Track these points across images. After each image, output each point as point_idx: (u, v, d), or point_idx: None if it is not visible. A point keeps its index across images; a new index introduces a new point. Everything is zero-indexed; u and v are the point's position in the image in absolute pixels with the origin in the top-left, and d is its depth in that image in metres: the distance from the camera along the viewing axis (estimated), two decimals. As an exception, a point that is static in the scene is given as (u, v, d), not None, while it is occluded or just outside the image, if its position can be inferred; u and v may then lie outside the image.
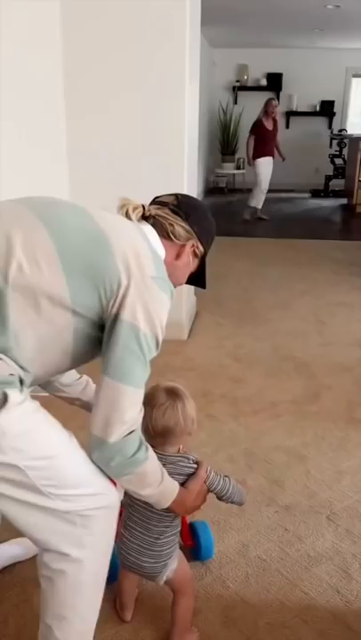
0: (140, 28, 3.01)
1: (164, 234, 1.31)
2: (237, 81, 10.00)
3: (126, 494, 1.41)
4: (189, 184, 3.40)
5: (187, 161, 3.27)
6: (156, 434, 1.39)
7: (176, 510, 1.35)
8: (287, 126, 10.26)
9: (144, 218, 1.32)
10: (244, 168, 10.08)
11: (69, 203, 1.28)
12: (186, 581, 1.49)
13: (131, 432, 1.17)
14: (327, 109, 10.04)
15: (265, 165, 7.30)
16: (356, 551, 1.81)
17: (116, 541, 1.30)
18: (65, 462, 1.15)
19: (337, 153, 9.45)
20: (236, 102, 10.13)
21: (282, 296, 4.37)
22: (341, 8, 6.38)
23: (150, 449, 1.23)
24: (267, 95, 10.02)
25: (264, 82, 9.97)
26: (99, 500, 1.19)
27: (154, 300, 1.16)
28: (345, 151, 9.25)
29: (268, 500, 2.05)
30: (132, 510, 1.44)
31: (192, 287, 3.76)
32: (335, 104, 10.03)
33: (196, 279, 1.48)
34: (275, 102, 7.17)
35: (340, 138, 9.34)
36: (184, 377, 3.01)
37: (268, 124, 7.12)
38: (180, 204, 1.35)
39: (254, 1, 6.14)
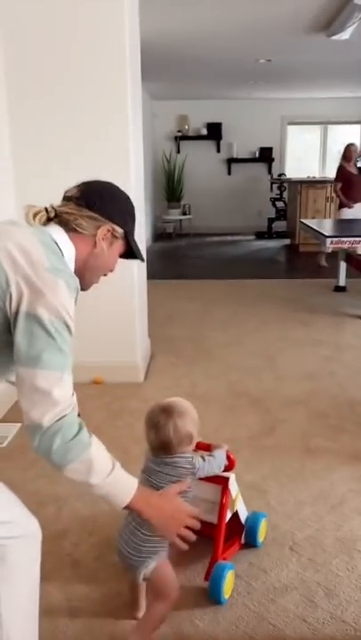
0: (83, 85, 3.14)
1: (72, 229, 1.31)
2: (179, 131, 10.38)
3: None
4: (138, 231, 3.48)
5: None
6: (156, 448, 1.59)
7: (151, 515, 1.31)
8: (229, 173, 10.66)
9: (52, 219, 1.33)
10: (190, 214, 10.37)
11: None
12: (164, 586, 1.53)
13: (64, 415, 1.17)
14: (266, 155, 10.50)
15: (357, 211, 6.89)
16: (319, 579, 1.84)
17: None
18: None
19: (278, 196, 9.85)
20: (178, 151, 10.48)
21: (233, 334, 4.47)
22: (272, 62, 6.79)
23: (94, 436, 1.23)
24: (208, 143, 10.47)
25: (204, 131, 10.38)
26: (11, 530, 1.19)
27: (49, 289, 1.17)
28: (285, 194, 9.65)
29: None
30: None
31: (145, 330, 3.84)
32: (273, 150, 10.50)
33: (130, 255, 1.45)
34: (353, 147, 6.98)
35: (280, 182, 9.76)
36: (141, 419, 3.01)
37: (351, 169, 6.95)
38: (83, 195, 1.34)
39: (190, 57, 6.46)
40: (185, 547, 1.38)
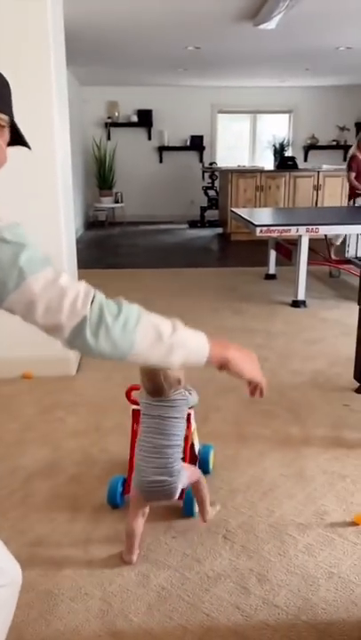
0: (4, 69, 3.01)
1: None
2: (109, 117, 10.21)
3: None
4: (66, 220, 3.40)
5: (62, 197, 3.28)
6: (151, 392, 1.86)
7: (234, 354, 1.16)
8: (160, 161, 10.60)
9: None
10: (122, 202, 10.26)
11: None
12: (197, 478, 1.98)
13: (93, 295, 1.03)
14: (197, 144, 10.51)
15: None
16: (252, 566, 1.87)
17: None
18: None
19: (209, 185, 9.90)
20: (109, 138, 10.32)
21: (167, 324, 4.46)
22: (201, 50, 6.77)
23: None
24: (139, 131, 10.37)
25: (135, 118, 10.26)
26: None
27: None
28: (216, 183, 9.71)
29: (165, 526, 2.06)
30: (144, 441, 1.87)
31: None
32: (204, 139, 10.53)
33: (17, 143, 1.29)
34: None
35: (211, 170, 9.80)
36: (75, 413, 2.97)
37: None
38: None
39: (119, 43, 6.35)
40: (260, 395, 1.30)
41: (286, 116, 10.75)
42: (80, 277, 3.88)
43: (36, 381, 3.35)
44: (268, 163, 9.97)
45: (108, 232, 9.58)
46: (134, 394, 2.09)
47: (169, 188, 10.70)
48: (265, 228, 4.91)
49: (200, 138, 10.50)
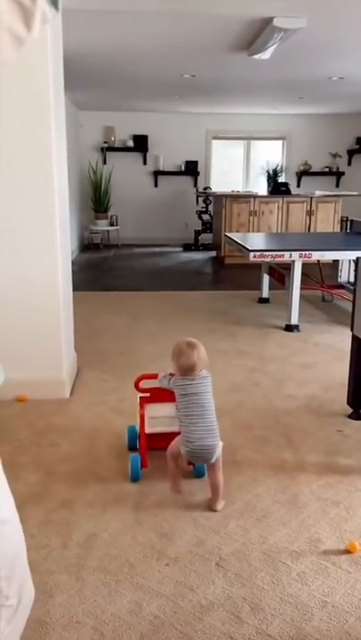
0: (4, 93, 3.06)
1: None
2: (105, 142, 10.34)
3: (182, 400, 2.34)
4: (62, 242, 3.43)
5: (58, 220, 3.31)
6: (185, 369, 2.35)
7: None
8: (156, 185, 10.72)
9: None
10: (117, 225, 10.34)
11: None
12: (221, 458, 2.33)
13: None
14: (192, 169, 10.65)
15: None
16: (245, 594, 1.85)
17: None
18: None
19: (203, 209, 10.00)
20: (105, 162, 10.44)
21: (162, 347, 4.46)
22: (197, 77, 6.90)
23: None
24: (134, 155, 10.50)
25: (131, 143, 10.40)
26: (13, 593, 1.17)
27: None
28: (210, 207, 9.81)
29: (157, 554, 2.04)
30: (191, 412, 2.32)
31: (71, 344, 3.76)
32: (199, 164, 10.67)
33: None
34: None
35: (206, 195, 9.91)
36: (68, 438, 2.96)
37: None
38: None
39: (116, 70, 6.47)
40: None
41: (280, 142, 10.92)
42: (76, 300, 3.91)
43: (29, 404, 3.34)
44: (262, 188, 10.10)
45: (102, 254, 9.63)
46: (147, 382, 2.60)
47: (164, 212, 10.80)
48: (258, 253, 4.96)
49: (195, 163, 10.64)
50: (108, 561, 2.00)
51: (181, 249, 10.21)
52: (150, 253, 9.73)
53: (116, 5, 3.44)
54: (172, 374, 2.47)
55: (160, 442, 2.53)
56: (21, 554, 1.22)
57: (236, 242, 5.61)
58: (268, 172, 10.13)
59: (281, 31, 4.34)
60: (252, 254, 4.95)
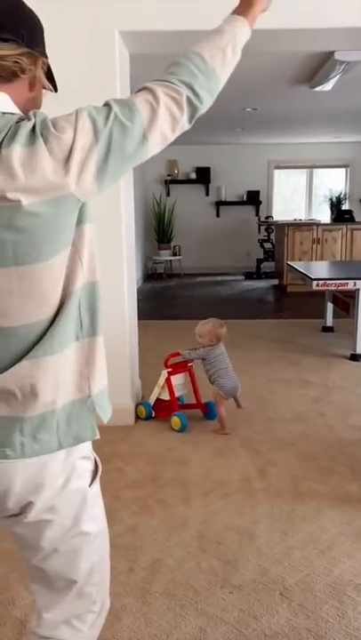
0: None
1: (7, 78, 1.01)
2: (169, 175, 10.63)
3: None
4: (128, 273, 3.57)
5: (125, 253, 3.46)
6: (218, 338, 3.50)
7: (254, 5, 1.25)
8: (218, 215, 10.89)
9: None
10: (180, 254, 10.54)
11: None
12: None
13: (180, 93, 1.07)
14: (253, 198, 10.76)
15: None
16: (310, 626, 1.84)
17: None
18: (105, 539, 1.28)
19: (265, 238, 10.04)
20: (168, 194, 10.71)
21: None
22: (258, 110, 7.04)
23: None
24: (197, 187, 10.72)
25: (193, 175, 10.64)
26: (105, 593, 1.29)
27: (53, 139, 0.94)
28: (272, 236, 9.85)
29: (222, 581, 2.06)
30: (224, 367, 3.46)
31: (136, 372, 3.87)
32: (260, 193, 10.76)
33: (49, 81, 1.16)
34: None
35: (268, 224, 9.96)
36: (132, 463, 3.04)
37: None
38: (7, 27, 0.99)
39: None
40: None
41: (343, 170, 10.87)
42: (139, 329, 4.02)
43: (96, 430, 3.44)
44: (325, 216, 10.06)
45: (165, 283, 9.81)
46: (174, 360, 3.68)
47: (225, 241, 10.93)
48: (322, 282, 4.95)
49: (257, 193, 10.75)
50: (173, 586, 2.04)
51: (243, 277, 10.26)
52: (212, 282, 9.83)
53: (179, 48, 3.61)
54: (195, 348, 3.57)
55: (165, 412, 3.63)
56: (108, 563, 1.31)
57: (298, 270, 5.61)
58: (331, 199, 10.09)
59: (342, 64, 4.40)
60: (315, 283, 4.94)
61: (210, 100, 1.14)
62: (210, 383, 3.54)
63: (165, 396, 3.63)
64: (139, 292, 8.90)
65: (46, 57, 1.11)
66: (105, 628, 1.83)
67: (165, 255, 10.50)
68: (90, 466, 1.20)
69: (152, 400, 3.66)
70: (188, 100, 1.08)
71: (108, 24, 3.15)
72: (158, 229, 10.57)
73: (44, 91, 1.13)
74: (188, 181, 10.67)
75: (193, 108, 1.09)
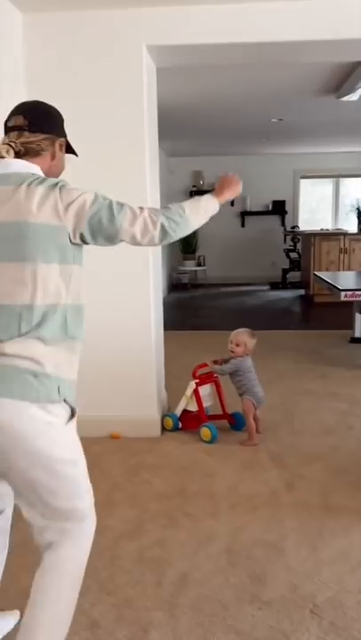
0: (102, 144, 3.29)
1: (35, 154, 1.61)
2: (194, 186, 10.66)
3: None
4: (155, 284, 3.58)
5: (152, 264, 3.47)
6: (250, 350, 3.56)
7: (225, 192, 1.86)
8: (243, 225, 10.87)
9: (18, 152, 1.60)
10: (205, 265, 10.54)
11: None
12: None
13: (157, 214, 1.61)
14: (279, 208, 10.72)
15: None
16: (341, 644, 1.81)
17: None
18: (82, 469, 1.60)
19: (291, 247, 9.99)
20: (193, 204, 10.72)
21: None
22: (284, 121, 7.03)
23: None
24: (222, 197, 10.70)
25: (219, 185, 10.64)
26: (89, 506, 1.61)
27: (65, 192, 1.52)
28: (299, 246, 9.79)
29: (250, 597, 2.04)
30: (253, 378, 3.52)
31: (162, 384, 3.88)
32: (286, 203, 10.72)
33: (68, 151, 1.77)
34: None
35: (293, 234, 9.91)
36: (159, 475, 3.03)
37: None
38: (32, 123, 1.61)
39: (205, 118, 6.73)
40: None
41: (370, 179, 10.77)
42: (165, 340, 4.02)
43: (123, 442, 3.45)
44: (353, 225, 9.96)
45: (190, 294, 9.82)
46: (203, 370, 3.71)
47: (250, 251, 10.90)
48: (350, 293, 4.90)
49: (282, 202, 10.71)
50: (202, 601, 2.02)
51: (269, 287, 10.22)
52: (237, 292, 9.81)
53: (204, 61, 3.63)
54: (224, 360, 3.62)
55: (192, 423, 3.64)
56: None
57: (326, 281, 5.57)
58: (358, 209, 9.99)
59: (369, 73, 4.38)
60: (343, 294, 4.90)
61: (179, 232, 1.65)
62: (239, 395, 3.53)
63: (192, 407, 3.62)
64: (163, 302, 8.91)
65: (64, 137, 1.71)
66: (133, 643, 1.83)
67: (190, 265, 10.51)
68: None
69: (179, 411, 3.65)
70: (162, 225, 1.60)
71: (136, 38, 3.20)
72: (183, 239, 10.59)
73: (67, 156, 1.77)
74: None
75: (164, 231, 1.61)
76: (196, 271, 10.61)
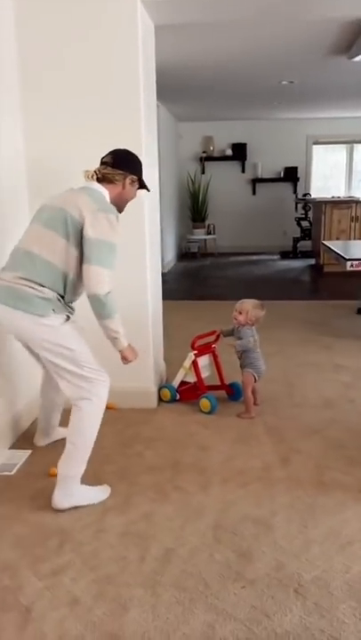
0: (95, 106, 3.16)
1: (110, 181, 2.42)
2: (204, 152, 10.42)
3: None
4: (152, 255, 3.48)
5: (148, 233, 3.36)
6: (259, 320, 3.47)
7: (128, 354, 2.51)
8: (254, 192, 10.64)
9: (99, 177, 2.42)
10: (214, 233, 10.37)
11: (46, 207, 2.40)
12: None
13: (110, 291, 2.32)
14: (291, 175, 10.45)
15: None
16: (324, 626, 1.76)
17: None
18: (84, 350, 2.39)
19: (303, 216, 9.77)
20: (203, 172, 10.52)
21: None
22: (295, 84, 6.77)
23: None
24: (233, 164, 10.48)
25: (229, 152, 10.40)
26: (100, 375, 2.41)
27: (100, 217, 2.27)
28: (310, 214, 9.57)
29: (234, 574, 1.99)
30: (257, 351, 3.44)
31: (160, 354, 3.81)
32: (298, 170, 10.45)
33: (141, 187, 2.58)
34: None
35: (305, 202, 9.68)
36: (152, 448, 2.98)
37: None
38: (114, 162, 2.44)
39: (214, 80, 6.50)
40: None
41: (385, 145, 10.45)
42: (169, 308, 3.95)
43: (118, 412, 3.40)
44: (365, 193, 9.70)
45: (199, 263, 9.69)
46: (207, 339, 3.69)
47: (261, 220, 10.69)
48: (356, 262, 4.76)
49: (294, 169, 10.44)
50: (184, 578, 1.98)
51: (279, 257, 10.05)
52: (247, 262, 9.66)
53: (214, 16, 3.44)
54: (228, 332, 3.63)
55: (190, 394, 3.58)
56: None
57: (333, 250, 5.42)
58: (371, 176, 9.73)
59: (382, 31, 4.15)
60: (349, 263, 4.76)
61: (101, 309, 2.34)
62: (241, 367, 3.45)
63: (191, 378, 3.55)
64: (172, 271, 8.81)
65: (136, 175, 2.50)
66: (112, 620, 1.80)
67: (200, 234, 10.35)
68: None
69: (176, 382, 3.59)
70: (106, 295, 2.31)
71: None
72: (193, 208, 10.41)
73: (140, 191, 2.60)
74: (224, 158, 10.43)
75: (99, 299, 2.31)
76: (205, 240, 10.45)
